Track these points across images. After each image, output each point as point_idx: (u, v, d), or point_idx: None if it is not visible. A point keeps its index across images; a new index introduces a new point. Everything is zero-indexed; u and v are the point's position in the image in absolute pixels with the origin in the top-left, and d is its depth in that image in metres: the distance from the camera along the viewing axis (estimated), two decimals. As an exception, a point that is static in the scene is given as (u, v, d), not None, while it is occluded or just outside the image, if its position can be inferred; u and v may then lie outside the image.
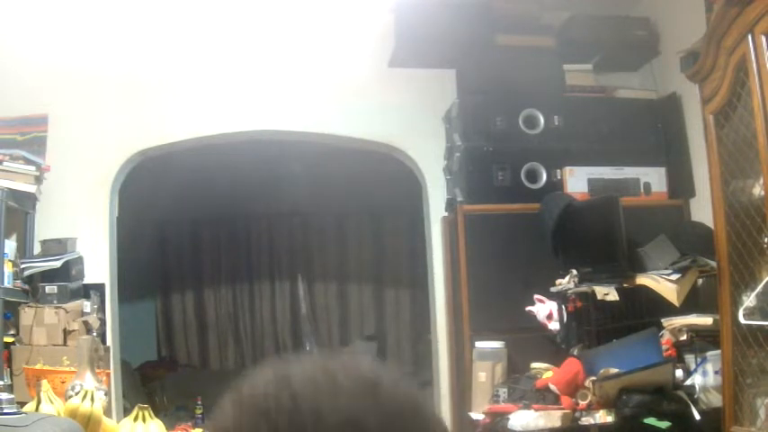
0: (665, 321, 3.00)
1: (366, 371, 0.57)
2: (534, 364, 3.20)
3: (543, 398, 2.93)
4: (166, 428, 3.05)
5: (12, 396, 2.54)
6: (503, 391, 3.12)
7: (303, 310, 7.23)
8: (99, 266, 3.83)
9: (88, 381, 2.90)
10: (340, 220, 6.92)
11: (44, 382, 2.82)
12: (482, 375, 3.35)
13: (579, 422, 2.84)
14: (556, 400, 2.90)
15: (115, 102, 3.98)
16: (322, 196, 6.30)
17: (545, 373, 3.09)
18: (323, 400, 0.53)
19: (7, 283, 3.41)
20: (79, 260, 3.73)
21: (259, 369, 0.59)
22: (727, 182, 2.60)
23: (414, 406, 0.56)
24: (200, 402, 5.73)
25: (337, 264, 6.95)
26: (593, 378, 2.88)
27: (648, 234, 3.35)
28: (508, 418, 2.89)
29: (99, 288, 3.77)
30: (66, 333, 3.46)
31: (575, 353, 3.15)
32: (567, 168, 3.73)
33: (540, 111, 3.79)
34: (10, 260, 3.49)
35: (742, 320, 2.42)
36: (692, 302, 3.05)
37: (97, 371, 3.07)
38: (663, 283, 3.09)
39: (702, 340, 2.85)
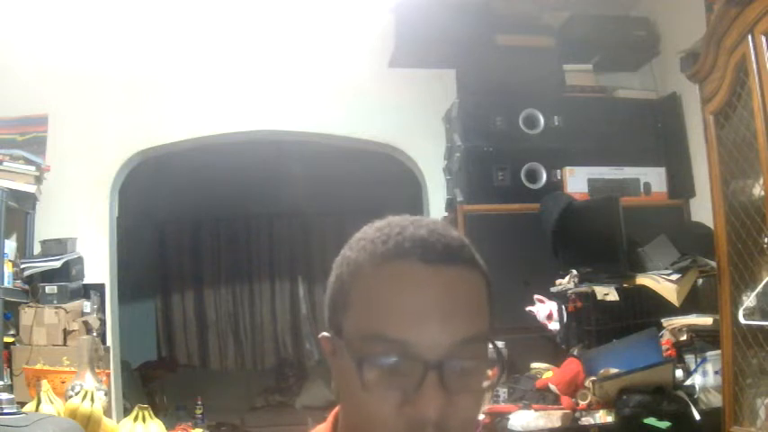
0: (665, 321, 3.00)
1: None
2: (534, 364, 3.20)
3: (543, 398, 2.93)
4: (166, 428, 3.05)
5: (12, 396, 2.54)
6: (503, 391, 3.11)
7: (303, 310, 7.23)
8: (99, 266, 3.83)
9: (88, 381, 2.90)
10: (340, 221, 6.92)
11: (44, 382, 2.83)
12: (482, 375, 3.34)
13: (579, 422, 2.83)
14: (556, 400, 2.90)
15: (115, 102, 3.98)
16: (322, 196, 6.30)
17: (545, 373, 3.09)
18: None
19: (7, 283, 3.41)
20: (79, 260, 3.73)
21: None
22: (727, 182, 2.60)
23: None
24: (200, 402, 5.74)
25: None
26: (593, 378, 2.88)
27: (648, 234, 3.35)
28: (508, 418, 2.88)
29: (99, 288, 3.77)
30: (66, 333, 3.46)
31: (575, 353, 3.15)
32: (567, 168, 3.73)
33: (540, 111, 3.79)
34: (10, 260, 3.49)
35: (742, 320, 2.42)
36: (692, 302, 3.05)
37: (97, 371, 3.07)
38: (663, 283, 3.09)
39: (702, 340, 2.84)
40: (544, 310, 3.31)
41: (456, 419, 0.73)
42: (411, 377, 0.71)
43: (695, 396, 2.74)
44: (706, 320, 2.84)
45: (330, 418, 0.85)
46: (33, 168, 3.63)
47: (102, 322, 3.67)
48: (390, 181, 4.91)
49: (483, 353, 0.76)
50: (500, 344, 3.02)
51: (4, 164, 3.53)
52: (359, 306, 0.75)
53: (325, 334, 0.80)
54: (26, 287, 3.57)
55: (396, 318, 0.72)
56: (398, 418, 0.72)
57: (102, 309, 3.70)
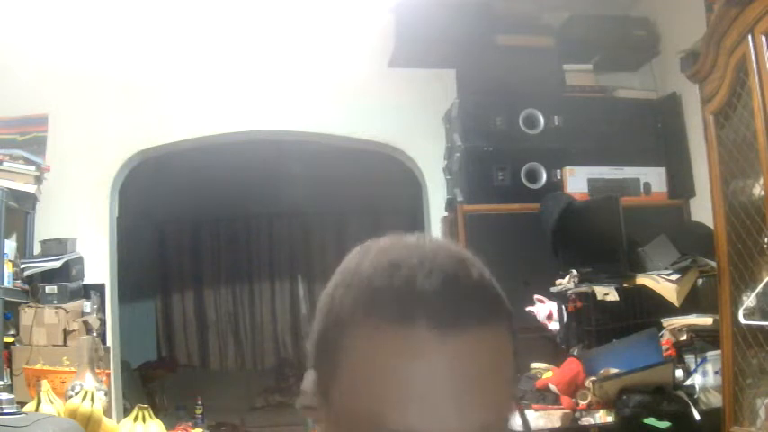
0: (665, 321, 3.00)
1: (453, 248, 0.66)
2: (534, 364, 3.20)
3: (543, 398, 2.93)
4: (166, 428, 3.05)
5: (12, 396, 2.54)
6: (503, 391, 3.11)
7: (303, 310, 7.23)
8: (99, 266, 3.83)
9: (88, 381, 2.90)
10: (340, 221, 6.93)
11: (44, 382, 2.83)
12: (482, 375, 3.34)
13: (579, 422, 2.84)
14: (556, 400, 2.90)
15: (115, 102, 3.98)
16: (322, 196, 6.30)
17: (545, 373, 3.09)
18: (424, 262, 0.61)
19: (7, 283, 3.40)
20: (79, 260, 3.73)
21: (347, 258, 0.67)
22: (727, 182, 2.60)
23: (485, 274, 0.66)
24: (200, 402, 5.74)
25: (337, 264, 6.90)
26: (593, 378, 2.88)
27: (648, 234, 3.35)
28: (508, 418, 2.88)
29: (99, 288, 3.76)
30: (66, 333, 3.46)
31: (575, 353, 3.15)
32: (567, 168, 3.73)
33: (540, 111, 3.79)
34: (10, 260, 3.49)
35: (742, 320, 2.42)
36: (692, 302, 3.05)
37: (97, 371, 3.07)
38: (663, 283, 3.09)
39: (702, 340, 2.84)
40: (544, 310, 3.31)
41: None
42: None
43: (695, 396, 2.74)
44: (706, 320, 2.84)
45: None
46: (33, 168, 3.63)
47: (102, 322, 3.67)
48: (390, 181, 4.91)
49: (507, 424, 0.62)
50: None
51: (4, 164, 3.53)
52: (350, 378, 0.60)
53: (307, 388, 0.65)
54: (26, 287, 3.57)
55: (397, 404, 0.57)
56: None
57: (102, 309, 3.70)
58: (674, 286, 3.05)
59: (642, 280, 3.17)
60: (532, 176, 3.75)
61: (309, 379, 0.65)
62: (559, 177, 3.75)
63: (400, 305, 0.58)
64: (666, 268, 3.17)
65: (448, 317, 0.58)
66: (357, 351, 0.60)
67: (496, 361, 0.60)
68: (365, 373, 0.59)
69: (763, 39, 2.31)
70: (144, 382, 5.93)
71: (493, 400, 0.59)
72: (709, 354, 2.75)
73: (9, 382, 3.20)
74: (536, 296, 3.34)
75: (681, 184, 3.75)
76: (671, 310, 3.02)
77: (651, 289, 3.11)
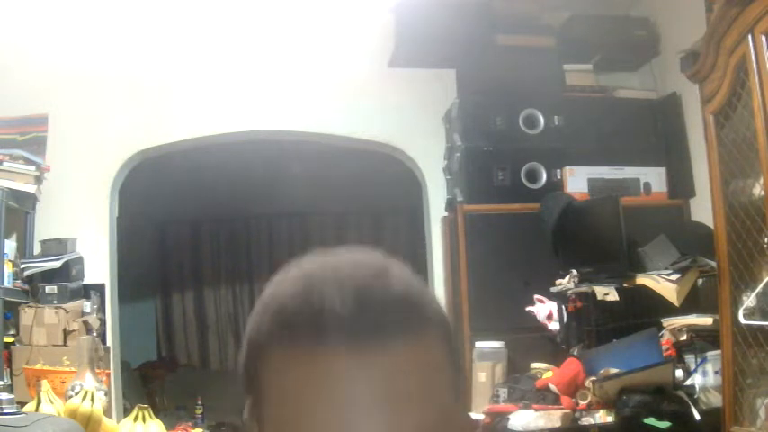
0: (665, 321, 3.00)
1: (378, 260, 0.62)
2: (534, 364, 3.20)
3: (543, 398, 2.93)
4: (166, 428, 3.06)
5: (12, 396, 2.54)
6: (503, 391, 3.12)
7: (303, 309, 7.21)
8: (99, 266, 3.83)
9: (88, 381, 2.90)
10: (340, 220, 6.92)
11: (44, 382, 2.83)
12: (482, 375, 3.34)
13: (579, 422, 2.84)
14: (556, 400, 2.90)
15: (115, 102, 3.98)
16: (322, 196, 6.30)
17: (545, 373, 3.09)
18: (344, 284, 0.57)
19: (7, 283, 3.40)
20: (79, 260, 3.73)
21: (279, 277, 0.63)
22: (727, 182, 2.60)
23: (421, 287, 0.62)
24: (200, 402, 5.74)
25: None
26: (593, 378, 2.88)
27: (648, 234, 3.35)
28: (508, 418, 2.89)
29: (99, 288, 3.76)
30: (66, 333, 3.46)
31: (575, 353, 3.15)
32: (567, 168, 3.73)
33: (540, 111, 3.79)
34: (10, 260, 3.49)
35: (742, 320, 2.42)
36: (692, 302, 3.05)
37: (97, 371, 3.07)
38: (663, 283, 3.09)
39: (702, 340, 2.85)
40: (544, 310, 3.31)
41: None
42: None
43: (695, 396, 2.74)
44: (706, 320, 2.84)
45: None
46: (33, 168, 3.63)
47: (102, 322, 3.67)
48: (390, 181, 4.91)
49: None
50: (499, 344, 2.98)
51: (4, 164, 3.53)
52: (271, 405, 0.58)
53: (246, 415, 0.62)
54: (26, 287, 3.57)
55: (320, 424, 0.54)
56: None
57: (102, 309, 3.70)
58: (674, 286, 3.05)
59: (642, 280, 3.17)
60: (532, 176, 3.75)
61: (246, 406, 0.61)
62: (559, 177, 3.75)
63: (311, 327, 0.55)
64: (666, 268, 3.17)
65: (361, 334, 0.54)
66: (274, 378, 0.57)
67: (424, 373, 0.57)
68: (283, 401, 0.56)
69: (763, 39, 2.31)
70: (144, 382, 5.93)
71: (422, 416, 0.55)
72: (709, 354, 2.75)
73: (9, 382, 3.20)
74: (536, 296, 3.35)
75: (681, 184, 3.75)
76: (671, 310, 3.02)
77: (651, 289, 3.11)
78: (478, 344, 3.45)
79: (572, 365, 2.99)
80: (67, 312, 3.48)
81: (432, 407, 0.56)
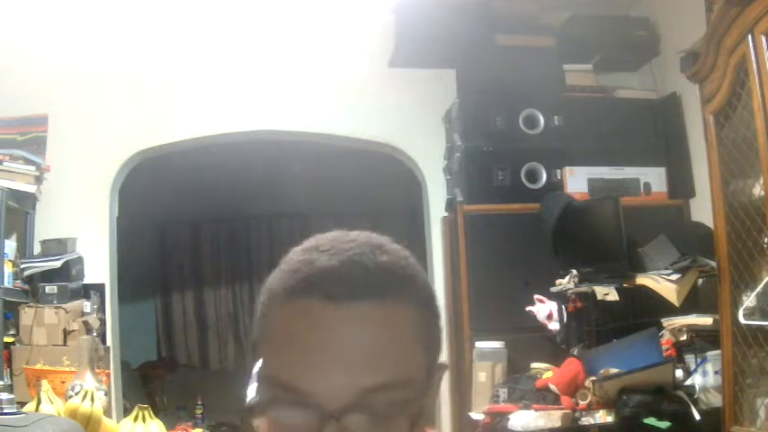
0: (665, 321, 3.00)
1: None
2: (534, 364, 3.20)
3: (543, 398, 2.93)
4: (166, 428, 3.06)
5: (12, 396, 2.54)
6: (503, 391, 3.12)
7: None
8: (99, 266, 3.83)
9: (88, 381, 2.90)
10: (340, 220, 6.88)
11: (44, 382, 2.83)
12: (482, 375, 3.35)
13: (579, 422, 2.84)
14: (556, 400, 2.90)
15: (115, 102, 3.98)
16: (322, 196, 6.30)
17: (545, 373, 3.09)
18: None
19: (7, 283, 3.40)
20: (79, 260, 3.73)
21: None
22: (727, 182, 2.60)
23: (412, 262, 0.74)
24: (200, 402, 5.74)
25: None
26: (593, 378, 2.88)
27: (648, 234, 3.35)
28: (508, 418, 2.89)
29: (99, 288, 3.76)
30: (66, 333, 3.46)
31: (575, 353, 3.15)
32: (567, 168, 3.73)
33: (540, 111, 3.79)
34: (10, 260, 3.49)
35: (742, 320, 2.42)
36: (692, 302, 3.05)
37: (97, 371, 3.07)
38: (663, 283, 3.09)
39: (702, 340, 2.85)
40: (544, 310, 3.31)
41: None
42: (310, 429, 0.65)
43: (695, 396, 2.74)
44: (706, 320, 2.84)
45: None
46: (33, 168, 3.63)
47: (102, 322, 3.67)
48: (390, 181, 4.91)
49: (405, 400, 0.66)
50: (499, 344, 2.98)
51: (4, 164, 3.53)
52: (267, 344, 0.70)
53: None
54: (26, 287, 3.57)
55: (292, 364, 0.66)
56: None
57: (102, 309, 3.70)
58: (674, 286, 3.05)
59: (642, 280, 3.17)
60: (532, 176, 3.75)
61: (251, 345, 0.74)
62: (559, 177, 3.75)
63: (304, 280, 0.68)
64: (666, 268, 3.17)
65: (345, 290, 0.66)
66: (271, 322, 0.70)
67: (393, 331, 0.67)
68: (274, 341, 0.69)
69: (763, 39, 2.31)
70: (144, 382, 5.93)
71: (385, 366, 0.66)
72: (709, 354, 2.75)
73: (9, 382, 3.20)
74: (536, 296, 3.35)
75: (681, 184, 3.75)
76: (671, 310, 3.02)
77: (651, 289, 3.11)
78: (478, 344, 3.45)
79: (572, 365, 2.99)
80: (67, 312, 3.48)
81: (394, 363, 0.66)
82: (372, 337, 0.66)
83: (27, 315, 3.45)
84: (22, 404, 2.70)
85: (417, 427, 0.68)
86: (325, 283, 0.67)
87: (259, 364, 0.70)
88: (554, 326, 3.29)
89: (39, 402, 2.73)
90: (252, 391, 0.70)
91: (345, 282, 0.67)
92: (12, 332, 3.45)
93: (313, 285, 0.67)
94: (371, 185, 5.70)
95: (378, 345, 0.66)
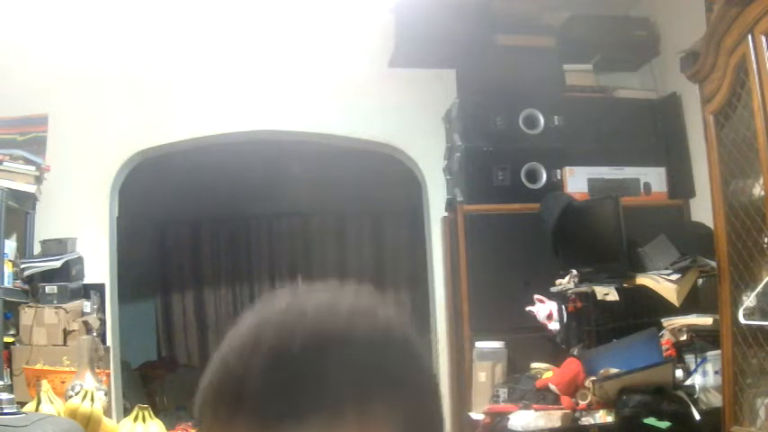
0: (665, 321, 3.00)
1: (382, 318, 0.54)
2: (534, 364, 3.20)
3: (543, 398, 2.93)
4: (166, 428, 3.05)
5: (12, 396, 2.54)
6: (503, 391, 3.12)
7: (303, 309, 7.20)
8: (99, 266, 3.83)
9: (88, 381, 2.90)
10: (340, 220, 6.92)
11: (44, 382, 2.82)
12: (482, 375, 3.35)
13: (579, 422, 2.84)
14: (556, 400, 2.90)
15: (115, 102, 3.98)
16: (322, 196, 6.30)
17: (545, 373, 3.09)
18: (333, 346, 0.50)
19: (7, 283, 3.40)
20: (79, 260, 3.73)
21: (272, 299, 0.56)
22: (727, 182, 2.60)
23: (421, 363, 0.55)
24: (200, 402, 5.73)
25: (337, 264, 6.95)
26: (593, 378, 2.88)
27: (648, 234, 3.35)
28: (508, 418, 2.89)
29: (99, 288, 3.76)
30: (66, 333, 3.46)
31: (575, 353, 3.15)
32: (567, 168, 3.73)
33: (540, 111, 3.79)
34: (10, 260, 3.49)
35: (742, 320, 2.42)
36: (692, 302, 3.05)
37: (97, 371, 3.07)
38: (663, 283, 3.09)
39: (702, 340, 2.84)
40: (544, 310, 3.31)
41: None
42: None
43: (695, 396, 2.74)
44: (706, 320, 2.84)
45: None
46: (33, 168, 3.63)
47: (102, 322, 3.66)
48: (390, 181, 4.91)
49: None
50: (499, 344, 2.99)
51: (4, 164, 3.53)
52: None
53: None
54: (26, 287, 3.57)
55: None
56: None
57: (102, 309, 3.70)
58: (674, 286, 3.05)
59: (642, 280, 3.17)
60: (532, 176, 3.75)
61: None
62: (559, 177, 3.75)
63: (227, 401, 0.50)
64: (666, 268, 3.17)
65: (277, 413, 0.48)
66: None
67: None
68: None
69: (763, 39, 2.31)
70: (144, 382, 5.93)
71: None
72: (709, 354, 2.75)
73: (9, 382, 3.20)
74: (536, 296, 3.35)
75: (681, 184, 3.75)
76: (671, 310, 3.02)
77: (651, 289, 3.11)
78: (478, 344, 3.45)
79: (572, 365, 2.99)
80: (67, 312, 3.48)
81: None
82: None
83: (27, 315, 3.45)
84: (22, 404, 2.70)
85: None
86: (258, 402, 0.49)
87: None
88: (554, 326, 3.29)
89: (39, 402, 2.73)
90: None
91: (285, 397, 0.48)
92: (12, 332, 3.45)
93: (242, 401, 0.49)
94: (371, 185, 5.70)
95: None
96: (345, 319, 0.51)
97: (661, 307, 3.05)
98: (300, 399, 0.48)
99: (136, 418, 2.95)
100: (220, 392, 0.51)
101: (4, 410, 2.43)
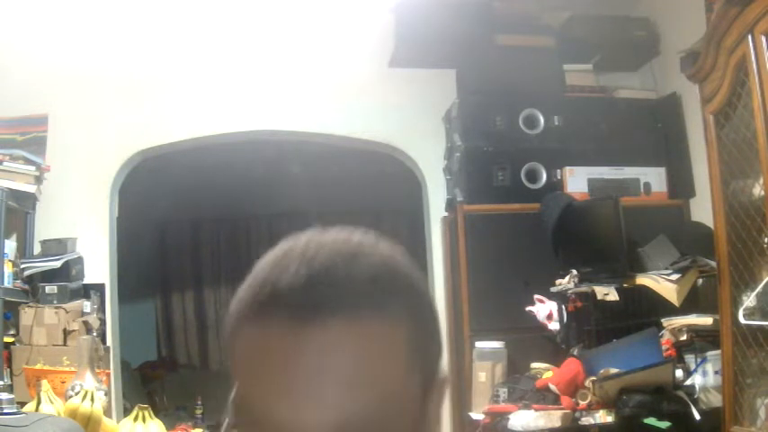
0: (665, 321, 3.00)
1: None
2: (534, 364, 3.20)
3: (543, 398, 2.93)
4: (166, 428, 3.05)
5: (12, 396, 2.54)
6: (503, 391, 3.12)
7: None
8: (99, 266, 3.83)
9: (88, 381, 2.90)
10: (340, 221, 6.89)
11: (44, 382, 2.83)
12: (482, 375, 3.34)
13: (579, 422, 2.84)
14: (556, 400, 2.90)
15: (115, 102, 3.98)
16: (322, 196, 6.30)
17: (545, 373, 3.09)
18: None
19: (7, 283, 3.40)
20: (79, 260, 3.73)
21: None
22: (727, 182, 2.60)
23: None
24: (200, 402, 5.73)
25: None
26: (593, 378, 2.87)
27: (648, 234, 3.35)
28: (508, 418, 2.89)
29: (99, 288, 3.76)
30: (66, 333, 3.46)
31: (575, 353, 3.14)
32: (567, 168, 3.73)
33: (540, 111, 3.79)
34: (10, 260, 3.49)
35: (742, 320, 2.42)
36: (692, 302, 3.05)
37: (97, 371, 3.07)
38: (663, 283, 3.09)
39: (702, 340, 2.84)
40: (544, 310, 3.31)
41: None
42: None
43: (695, 396, 2.74)
44: (706, 320, 2.84)
45: None
46: (33, 168, 3.63)
47: (102, 322, 3.67)
48: (390, 181, 4.91)
49: (392, 426, 0.59)
50: (499, 344, 2.99)
51: (4, 164, 3.53)
52: (234, 367, 0.62)
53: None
54: (26, 287, 3.57)
55: (258, 393, 0.59)
56: None
57: (102, 309, 3.70)
58: (674, 286, 3.05)
59: (642, 280, 3.17)
60: (532, 176, 3.75)
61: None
62: (559, 177, 3.75)
63: (262, 303, 0.60)
64: (666, 268, 3.16)
65: (308, 309, 0.58)
66: (236, 346, 0.61)
67: (372, 351, 0.58)
68: (242, 368, 0.61)
69: (763, 39, 2.31)
70: (144, 382, 5.93)
71: (361, 393, 0.57)
72: (710, 354, 2.75)
73: (9, 382, 3.20)
74: (536, 296, 3.35)
75: (681, 184, 3.75)
76: (671, 310, 3.02)
77: (651, 289, 3.11)
78: (478, 344, 3.45)
79: (572, 365, 2.99)
80: (67, 312, 3.48)
81: (373, 387, 0.58)
82: (346, 359, 0.58)
83: (27, 315, 3.45)
84: (22, 404, 2.70)
85: None
86: (288, 301, 0.58)
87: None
88: (554, 326, 3.29)
89: (39, 402, 2.73)
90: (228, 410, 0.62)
91: (311, 298, 0.58)
92: (12, 332, 3.45)
93: (276, 304, 0.59)
94: (371, 185, 5.70)
95: (353, 368, 0.58)
96: (358, 244, 0.63)
97: (661, 307, 3.05)
98: (324, 303, 0.58)
99: (136, 418, 2.95)
100: (258, 296, 0.60)
101: (4, 410, 2.43)
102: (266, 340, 0.59)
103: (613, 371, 2.86)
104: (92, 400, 2.75)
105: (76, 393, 2.79)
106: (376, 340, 0.59)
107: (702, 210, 3.37)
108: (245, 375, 0.60)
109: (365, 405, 0.57)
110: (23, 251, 3.68)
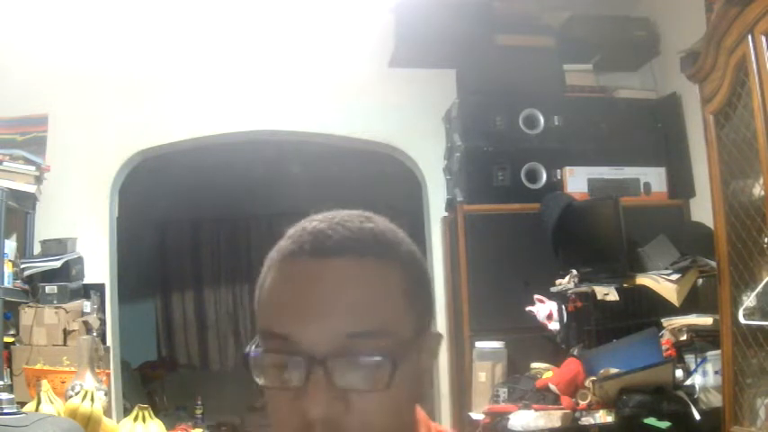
0: (665, 321, 2.99)
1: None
2: (534, 364, 3.20)
3: (543, 398, 2.93)
4: (166, 428, 3.05)
5: (12, 396, 2.54)
6: (503, 391, 3.12)
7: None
8: (99, 266, 3.83)
9: (88, 381, 2.90)
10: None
11: (44, 382, 2.82)
12: (482, 375, 3.34)
13: (579, 422, 2.83)
14: (556, 400, 2.90)
15: (115, 102, 3.98)
16: (322, 196, 6.28)
17: (545, 373, 3.09)
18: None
19: (7, 283, 3.40)
20: (79, 260, 3.73)
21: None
22: (727, 182, 2.60)
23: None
24: (200, 402, 5.74)
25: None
26: (593, 378, 2.88)
27: (648, 234, 3.35)
28: (508, 418, 2.88)
29: (99, 288, 3.76)
30: (66, 333, 3.46)
31: (575, 353, 3.14)
32: (567, 168, 3.73)
33: (540, 111, 3.79)
34: (10, 260, 3.49)
35: (742, 320, 2.42)
36: (692, 302, 3.05)
37: (97, 371, 3.07)
38: (663, 283, 3.09)
39: (702, 340, 2.84)
40: (544, 310, 3.31)
41: (351, 419, 0.71)
42: (298, 374, 0.71)
43: (695, 396, 2.74)
44: (706, 320, 2.84)
45: None
46: (33, 168, 3.63)
47: (102, 322, 3.67)
48: (390, 181, 4.91)
49: (387, 349, 0.71)
50: (499, 344, 2.99)
51: (4, 164, 3.53)
52: (261, 302, 0.78)
53: None
54: (26, 287, 3.57)
55: (281, 313, 0.74)
56: (291, 417, 0.72)
57: (102, 309, 3.70)
58: (674, 286, 3.05)
59: (642, 280, 3.17)
60: (532, 176, 3.75)
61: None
62: (559, 177, 3.75)
63: (294, 242, 0.76)
64: (666, 268, 3.16)
65: (328, 247, 0.74)
66: (267, 281, 0.77)
67: (376, 286, 0.74)
68: (267, 297, 0.76)
69: (763, 39, 2.31)
70: (144, 382, 5.93)
71: (367, 314, 0.72)
72: (709, 354, 2.75)
73: (9, 382, 3.20)
74: (536, 296, 3.35)
75: (681, 184, 3.75)
76: (671, 310, 3.02)
77: (651, 289, 3.11)
78: (478, 344, 3.45)
79: (572, 365, 2.99)
80: (67, 312, 3.48)
81: (376, 313, 0.73)
82: (353, 289, 0.72)
83: (27, 315, 3.45)
84: (22, 404, 2.70)
85: (403, 380, 0.72)
86: (310, 242, 0.75)
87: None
88: (554, 326, 3.29)
89: (39, 402, 2.73)
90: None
91: (329, 240, 0.74)
92: (12, 332, 3.45)
93: (302, 246, 0.75)
94: (371, 185, 5.69)
95: (358, 296, 0.72)
96: (369, 215, 0.79)
97: (661, 307, 3.05)
98: (339, 244, 0.74)
99: (136, 418, 2.95)
100: (291, 237, 0.78)
101: (4, 410, 2.43)
102: (294, 268, 0.75)
103: (613, 371, 2.86)
104: (92, 400, 2.74)
105: (76, 393, 2.79)
106: (376, 278, 0.74)
107: (702, 210, 3.37)
108: (270, 303, 0.75)
109: (367, 324, 0.72)
110: (23, 251, 3.68)
